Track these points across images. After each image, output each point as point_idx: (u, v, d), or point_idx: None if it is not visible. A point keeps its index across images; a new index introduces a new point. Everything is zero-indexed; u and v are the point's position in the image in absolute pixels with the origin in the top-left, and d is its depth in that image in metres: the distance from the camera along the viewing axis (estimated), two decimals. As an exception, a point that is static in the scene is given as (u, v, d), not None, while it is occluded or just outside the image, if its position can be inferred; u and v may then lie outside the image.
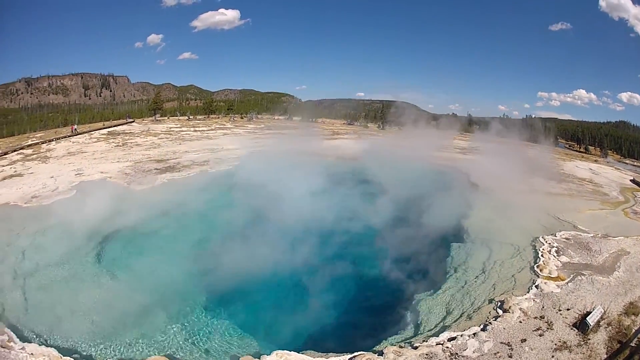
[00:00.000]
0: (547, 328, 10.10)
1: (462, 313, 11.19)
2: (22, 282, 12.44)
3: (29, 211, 17.27)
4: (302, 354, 9.34)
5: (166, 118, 62.07)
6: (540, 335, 9.81)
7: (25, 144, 31.37)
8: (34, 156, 27.31)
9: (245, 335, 11.86)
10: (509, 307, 10.86)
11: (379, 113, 71.13)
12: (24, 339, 9.31)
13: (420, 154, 34.50)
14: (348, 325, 13.30)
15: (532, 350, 9.26)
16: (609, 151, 64.17)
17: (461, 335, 9.71)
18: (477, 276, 13.48)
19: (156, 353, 10.11)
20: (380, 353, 9.13)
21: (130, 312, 11.85)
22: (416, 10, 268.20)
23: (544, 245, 15.39)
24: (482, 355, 9.02)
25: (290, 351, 9.29)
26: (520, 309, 10.83)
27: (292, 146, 37.73)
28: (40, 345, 8.95)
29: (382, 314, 13.60)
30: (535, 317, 10.58)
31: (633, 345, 9.27)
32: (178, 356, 10.22)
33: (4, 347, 8.55)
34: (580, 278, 12.64)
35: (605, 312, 10.54)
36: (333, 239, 19.22)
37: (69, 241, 15.57)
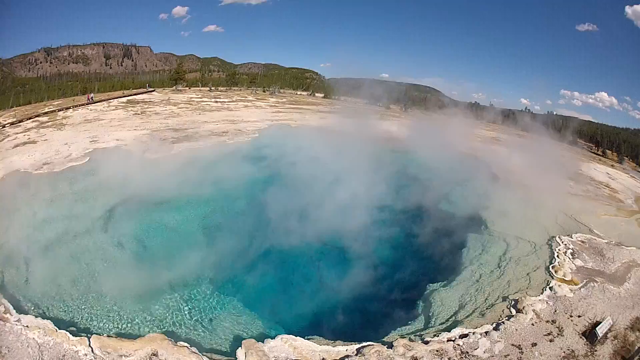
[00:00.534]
0: (558, 334, 9.90)
1: (475, 309, 10.91)
2: (24, 250, 12.19)
3: (39, 178, 16.95)
4: (308, 339, 9.08)
5: (187, 88, 61.00)
6: (550, 341, 9.60)
7: (42, 111, 30.84)
8: (49, 124, 26.88)
9: (250, 314, 11.77)
10: (523, 308, 10.54)
11: (402, 95, 69.11)
12: (21, 310, 9.05)
13: (441, 140, 33.53)
14: (357, 309, 13.25)
15: (541, 356, 9.08)
16: (625, 158, 62.39)
17: (473, 333, 9.44)
18: (492, 271, 13.15)
19: (156, 329, 10.00)
20: (390, 345, 8.87)
21: (134, 284, 11.73)
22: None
23: (560, 245, 14.93)
24: (493, 356, 8.80)
25: (296, 336, 9.00)
26: (534, 310, 10.53)
27: (314, 122, 37.12)
28: (36, 317, 8.70)
29: (393, 300, 13.51)
30: (547, 321, 10.32)
31: None
32: (179, 333, 10.13)
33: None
34: (592, 285, 12.28)
35: (613, 324, 10.34)
36: (350, 222, 18.58)
37: (76, 209, 15.39)
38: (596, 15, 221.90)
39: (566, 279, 12.58)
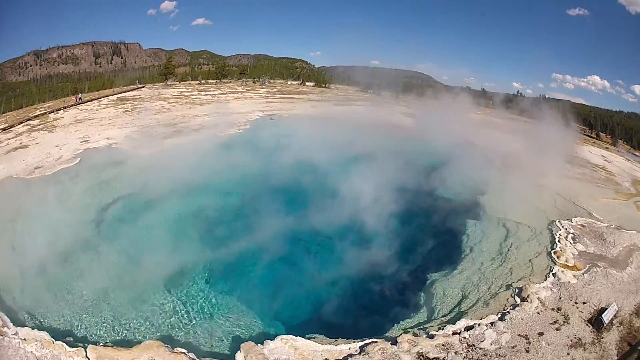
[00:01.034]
0: (564, 322, 9.74)
1: (479, 298, 10.66)
2: (17, 259, 11.74)
3: (31, 183, 16.44)
4: (309, 339, 8.78)
5: (177, 83, 60.31)
6: (557, 330, 9.44)
7: (33, 115, 30.18)
8: (40, 126, 26.31)
9: (248, 314, 11.43)
10: (527, 296, 10.33)
11: (394, 81, 68.78)
12: (17, 323, 8.78)
13: (429, 124, 33.53)
14: (357, 303, 12.91)
15: (548, 345, 8.91)
16: (619, 140, 62.77)
17: (478, 325, 9.19)
18: (493, 258, 12.91)
19: (153, 334, 9.74)
20: (394, 341, 8.58)
21: (129, 288, 11.46)
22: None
23: (560, 230, 14.73)
24: (500, 348, 8.58)
25: (296, 336, 8.70)
26: (539, 298, 10.33)
27: (304, 111, 36.99)
28: (32, 329, 8.46)
29: (394, 293, 13.22)
30: (553, 309, 10.14)
31: None
32: (177, 337, 9.81)
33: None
34: (595, 270, 12.11)
35: (618, 310, 10.20)
36: (343, 209, 18.27)
37: (67, 214, 14.95)
38: (587, 0, 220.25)
39: (569, 264, 12.42)
